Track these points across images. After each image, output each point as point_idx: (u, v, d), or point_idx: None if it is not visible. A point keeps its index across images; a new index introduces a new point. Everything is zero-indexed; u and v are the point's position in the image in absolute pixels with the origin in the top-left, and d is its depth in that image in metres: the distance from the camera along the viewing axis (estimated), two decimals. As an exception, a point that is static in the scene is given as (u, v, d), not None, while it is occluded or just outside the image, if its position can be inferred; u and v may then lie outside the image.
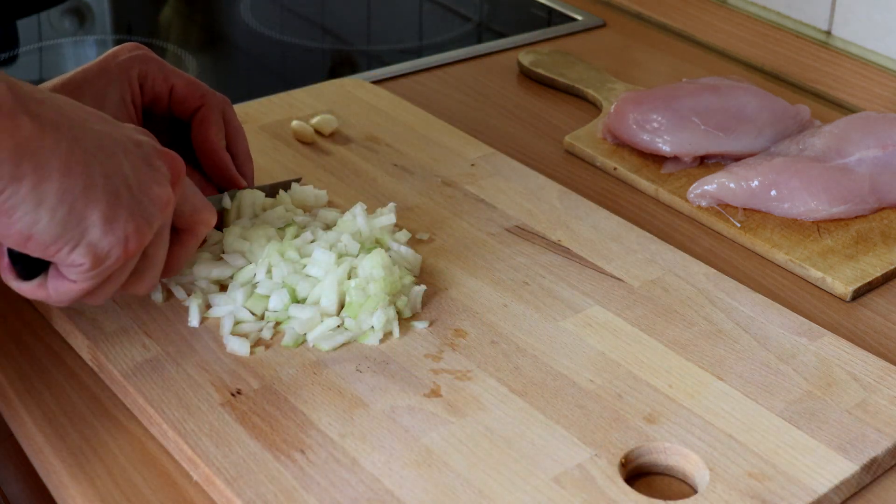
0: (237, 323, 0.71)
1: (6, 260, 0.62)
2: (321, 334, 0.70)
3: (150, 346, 0.69)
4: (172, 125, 0.83)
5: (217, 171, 0.80)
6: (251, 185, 0.82)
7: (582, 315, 0.74)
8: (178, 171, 0.66)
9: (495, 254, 0.79)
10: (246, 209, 0.79)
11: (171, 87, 0.80)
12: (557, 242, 0.81)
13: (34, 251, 0.59)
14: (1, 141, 0.55)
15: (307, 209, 0.81)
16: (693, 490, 0.63)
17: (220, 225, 0.79)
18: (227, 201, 0.78)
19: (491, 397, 0.66)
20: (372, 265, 0.72)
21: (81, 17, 1.43)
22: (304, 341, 0.70)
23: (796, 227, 0.86)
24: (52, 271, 0.62)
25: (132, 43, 0.81)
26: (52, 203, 0.58)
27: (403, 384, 0.67)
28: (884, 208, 0.88)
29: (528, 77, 1.11)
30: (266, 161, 0.90)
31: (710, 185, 0.88)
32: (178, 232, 0.68)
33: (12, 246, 0.59)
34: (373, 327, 0.70)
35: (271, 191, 0.82)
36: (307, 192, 0.82)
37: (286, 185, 0.83)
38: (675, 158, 0.93)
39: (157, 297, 0.73)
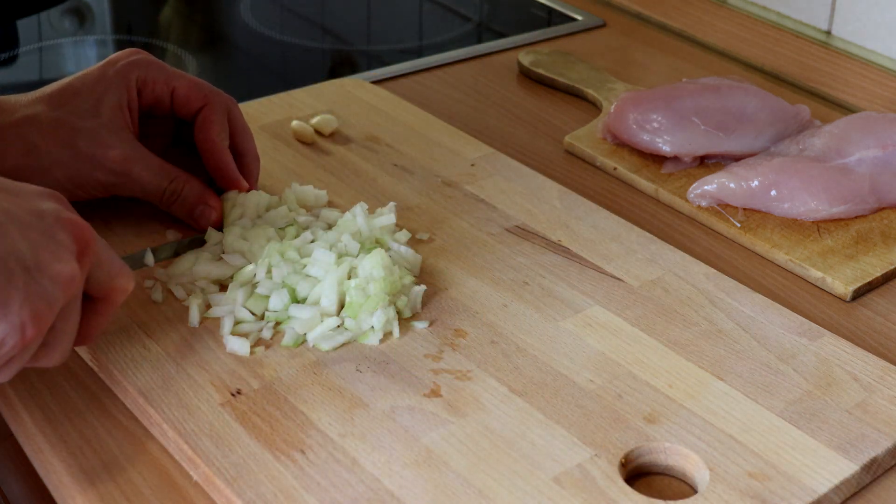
0: (237, 323, 0.71)
1: None
2: (321, 334, 0.70)
3: (150, 346, 0.69)
4: (177, 127, 0.83)
5: (218, 173, 0.80)
6: (254, 187, 0.82)
7: (582, 315, 0.74)
8: (84, 240, 0.60)
9: (495, 254, 0.79)
10: (249, 210, 0.79)
11: (172, 90, 0.80)
12: (557, 242, 0.81)
13: None
14: None
15: (308, 209, 0.82)
16: (693, 490, 0.63)
17: (220, 225, 0.79)
18: (149, 258, 0.76)
19: (491, 397, 0.66)
20: (372, 265, 0.72)
21: (81, 17, 1.43)
22: (304, 341, 0.70)
23: (796, 227, 0.86)
24: None
25: (131, 49, 0.81)
26: None
27: (403, 384, 0.67)
28: (884, 208, 0.88)
29: (528, 77, 1.11)
30: (266, 161, 0.90)
31: (710, 185, 0.88)
32: (93, 300, 0.63)
33: None
34: (373, 327, 0.70)
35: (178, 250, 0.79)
36: (307, 192, 0.82)
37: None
38: (675, 158, 0.93)
39: (157, 296, 0.73)
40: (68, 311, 0.60)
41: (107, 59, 0.80)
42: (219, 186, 0.81)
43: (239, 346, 0.69)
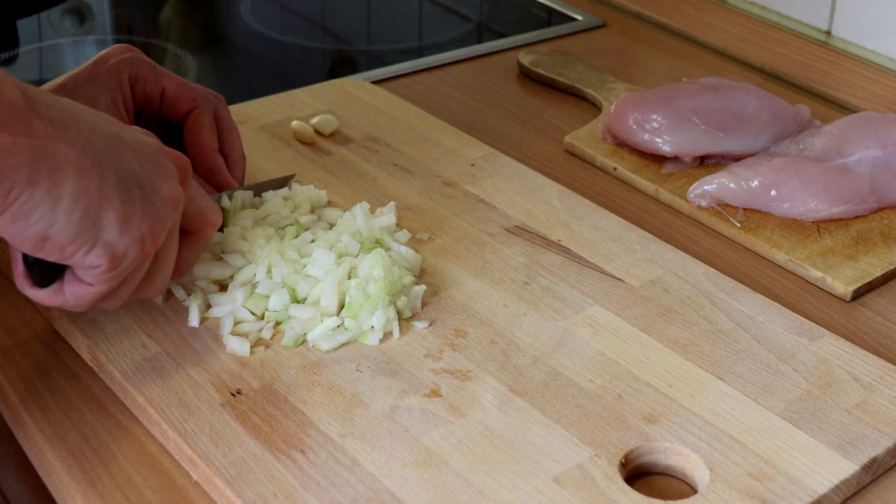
0: (237, 323, 0.71)
1: (21, 267, 0.62)
2: (321, 334, 0.70)
3: (150, 346, 0.69)
4: (166, 126, 0.83)
5: (209, 175, 0.81)
6: (241, 185, 0.82)
7: (582, 315, 0.74)
8: (185, 170, 0.66)
9: (495, 254, 0.79)
10: (247, 209, 0.79)
11: (162, 90, 0.80)
12: (557, 242, 0.81)
13: (51, 254, 0.59)
14: (17, 145, 0.55)
15: (309, 209, 0.82)
16: (693, 490, 0.62)
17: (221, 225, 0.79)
18: (225, 201, 0.78)
19: (491, 397, 0.66)
20: (372, 265, 0.72)
21: (81, 17, 1.43)
22: (304, 341, 0.70)
23: (796, 227, 0.86)
24: (68, 276, 0.62)
25: (122, 45, 0.81)
26: (67, 204, 0.58)
27: (403, 384, 0.67)
28: (884, 208, 0.88)
29: (528, 77, 1.11)
30: (266, 161, 0.90)
31: (710, 185, 0.88)
32: (185, 234, 0.68)
33: (28, 250, 0.59)
34: (373, 327, 0.70)
35: (258, 190, 0.82)
36: (308, 191, 0.82)
37: (277, 184, 0.83)
38: (675, 158, 0.93)
39: (158, 297, 0.73)
40: (169, 240, 0.65)
41: (97, 57, 0.80)
42: (211, 186, 0.81)
43: (238, 345, 0.69)
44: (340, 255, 0.74)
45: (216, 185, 0.81)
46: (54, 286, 0.62)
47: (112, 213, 0.59)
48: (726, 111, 0.94)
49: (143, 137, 0.65)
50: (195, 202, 0.67)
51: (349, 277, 0.73)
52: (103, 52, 0.80)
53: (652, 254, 0.80)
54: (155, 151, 0.64)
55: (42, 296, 0.63)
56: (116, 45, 0.81)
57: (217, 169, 0.80)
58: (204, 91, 0.82)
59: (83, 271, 0.61)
